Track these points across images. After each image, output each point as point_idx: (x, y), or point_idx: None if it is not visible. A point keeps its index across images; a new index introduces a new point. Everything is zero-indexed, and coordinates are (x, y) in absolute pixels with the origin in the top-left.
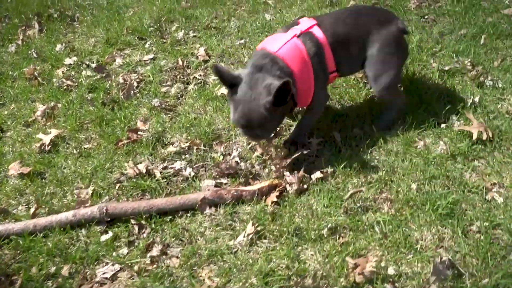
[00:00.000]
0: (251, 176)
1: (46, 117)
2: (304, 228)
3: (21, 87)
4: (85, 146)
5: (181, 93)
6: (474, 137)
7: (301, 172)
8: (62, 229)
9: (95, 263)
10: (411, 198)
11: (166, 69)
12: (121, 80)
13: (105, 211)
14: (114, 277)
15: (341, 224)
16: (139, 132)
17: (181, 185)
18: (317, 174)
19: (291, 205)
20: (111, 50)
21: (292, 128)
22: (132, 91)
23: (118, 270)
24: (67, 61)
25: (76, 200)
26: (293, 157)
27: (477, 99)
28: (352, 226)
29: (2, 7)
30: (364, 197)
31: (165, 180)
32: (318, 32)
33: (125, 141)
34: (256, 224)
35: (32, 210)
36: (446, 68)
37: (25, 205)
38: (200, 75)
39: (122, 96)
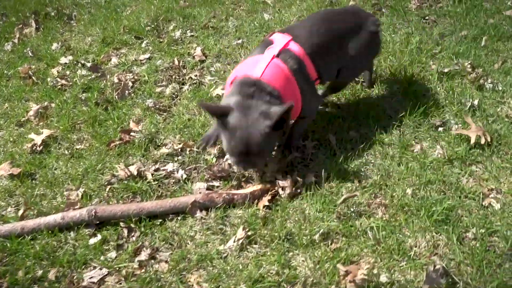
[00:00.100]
0: (243, 179)
1: (39, 117)
2: (295, 233)
3: (15, 86)
4: (77, 147)
5: (176, 93)
6: (472, 141)
7: (294, 176)
8: (50, 231)
9: (83, 267)
10: (406, 203)
11: (162, 69)
12: (116, 80)
13: (94, 214)
14: (101, 282)
15: (334, 230)
16: (132, 133)
17: (173, 187)
18: (311, 178)
19: (283, 209)
20: (107, 49)
21: None
22: (126, 91)
23: (106, 275)
24: (63, 60)
25: (66, 202)
26: (286, 160)
27: (476, 102)
28: (344, 232)
29: (0, 5)
30: (358, 202)
31: (156, 182)
32: (295, 48)
33: (117, 142)
34: (247, 229)
35: (21, 212)
36: (446, 70)
37: (14, 207)
38: (196, 76)
39: (116, 96)
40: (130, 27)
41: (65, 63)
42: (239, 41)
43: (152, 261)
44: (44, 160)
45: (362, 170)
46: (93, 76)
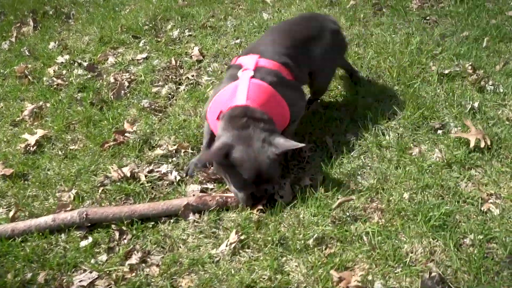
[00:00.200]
0: None
1: (33, 117)
2: (289, 238)
3: (11, 85)
4: (71, 148)
5: (172, 93)
6: (472, 144)
7: (289, 179)
8: (41, 234)
9: (73, 270)
10: (402, 208)
11: (159, 68)
12: (112, 80)
13: (85, 216)
14: (91, 285)
15: (328, 234)
16: (126, 134)
17: (166, 189)
18: (306, 181)
19: (277, 213)
20: (104, 48)
21: None
22: (122, 91)
23: (96, 278)
24: (59, 59)
25: (57, 203)
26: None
27: (476, 104)
28: (339, 237)
29: None
30: (353, 206)
31: (150, 184)
32: (267, 63)
33: (112, 143)
34: (240, 233)
35: (11, 213)
36: (446, 72)
37: (6, 208)
38: (193, 76)
39: (112, 96)
40: (128, 26)
41: (62, 62)
42: (237, 41)
43: (143, 264)
44: (37, 160)
45: (359, 173)
46: (89, 76)
